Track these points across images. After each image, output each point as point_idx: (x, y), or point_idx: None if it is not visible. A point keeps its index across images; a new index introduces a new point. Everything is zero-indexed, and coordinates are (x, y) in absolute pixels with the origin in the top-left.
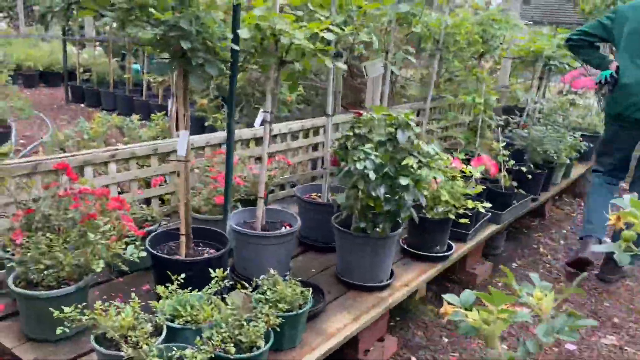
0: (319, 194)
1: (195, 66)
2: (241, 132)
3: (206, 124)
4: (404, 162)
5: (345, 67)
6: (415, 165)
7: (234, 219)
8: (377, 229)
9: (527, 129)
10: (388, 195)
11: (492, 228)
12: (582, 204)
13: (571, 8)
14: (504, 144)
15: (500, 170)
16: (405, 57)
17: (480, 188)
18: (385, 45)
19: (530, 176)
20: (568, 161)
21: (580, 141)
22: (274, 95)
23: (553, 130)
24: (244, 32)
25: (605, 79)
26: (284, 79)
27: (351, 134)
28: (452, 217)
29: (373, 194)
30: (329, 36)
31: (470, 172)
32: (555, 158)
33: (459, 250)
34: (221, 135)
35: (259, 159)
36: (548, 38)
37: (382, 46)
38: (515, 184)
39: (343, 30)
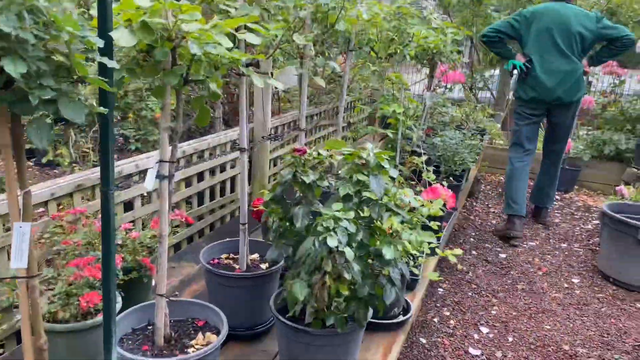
0: (235, 255)
1: (37, 107)
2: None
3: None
4: (385, 224)
5: (281, 85)
6: (399, 228)
7: (120, 328)
8: (349, 321)
9: (440, 137)
10: (363, 272)
11: (433, 262)
12: (475, 204)
13: None
14: (425, 158)
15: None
16: (326, 64)
17: (436, 225)
18: (300, 49)
19: (450, 190)
20: (473, 165)
21: (480, 141)
22: (175, 133)
23: (462, 135)
24: (123, 36)
25: (520, 68)
26: (190, 106)
27: (291, 178)
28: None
29: (346, 276)
30: (251, 38)
31: (432, 212)
32: (468, 164)
33: (415, 304)
34: (73, 181)
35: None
36: (437, 33)
37: (295, 49)
38: None
39: (267, 30)
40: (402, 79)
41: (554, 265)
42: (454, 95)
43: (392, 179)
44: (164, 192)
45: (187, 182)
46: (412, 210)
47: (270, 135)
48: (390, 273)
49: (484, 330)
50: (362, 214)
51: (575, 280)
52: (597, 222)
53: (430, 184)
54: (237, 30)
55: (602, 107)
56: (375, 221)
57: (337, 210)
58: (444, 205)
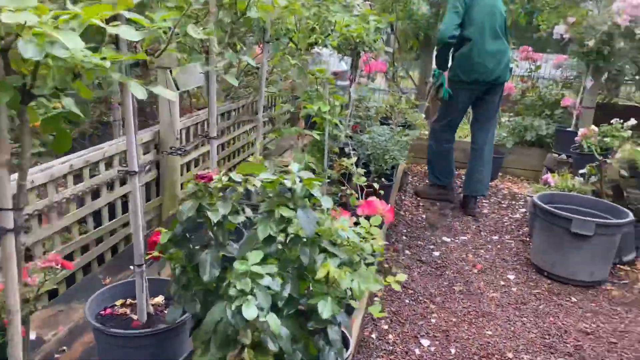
0: (133, 300)
1: None
2: None
3: None
4: (320, 272)
5: (171, 95)
6: (337, 275)
7: None
8: None
9: (368, 133)
10: (294, 335)
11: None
12: (404, 197)
13: None
14: (356, 159)
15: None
16: (239, 58)
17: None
18: (204, 43)
19: (382, 191)
20: (402, 161)
21: (406, 135)
22: (22, 170)
23: (390, 131)
24: None
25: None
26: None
27: (194, 214)
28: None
29: (271, 347)
30: (127, 33)
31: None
32: (398, 161)
33: (354, 337)
34: None
35: None
36: (359, 21)
37: (199, 44)
38: None
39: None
40: (325, 73)
41: (488, 261)
42: (375, 86)
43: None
44: (9, 253)
45: (80, 199)
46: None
47: (172, 149)
48: (328, 332)
49: (425, 343)
50: (288, 253)
51: (511, 277)
52: (524, 210)
53: (362, 189)
54: (109, 21)
55: (522, 93)
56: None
57: (255, 264)
58: (382, 222)
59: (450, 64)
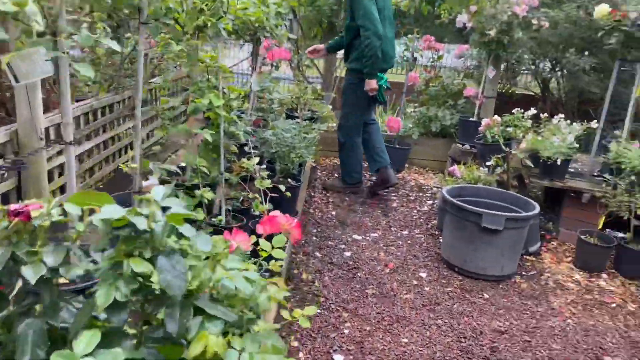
0: None
1: None
2: None
3: None
4: (192, 351)
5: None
6: (219, 347)
7: None
8: None
9: (272, 129)
10: None
11: None
12: (313, 194)
13: None
14: (257, 159)
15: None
16: (98, 40)
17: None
18: (52, 21)
19: (289, 193)
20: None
21: (314, 130)
22: None
23: (297, 125)
24: None
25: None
26: None
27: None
28: None
29: None
30: None
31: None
32: (306, 158)
33: None
34: None
35: None
36: (258, 3)
37: (47, 23)
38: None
39: None
40: (218, 61)
41: (400, 259)
42: (280, 75)
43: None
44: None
45: None
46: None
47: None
48: None
49: (339, 358)
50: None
51: (423, 275)
52: (431, 202)
53: (266, 193)
54: None
55: (426, 83)
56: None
57: (86, 355)
58: (286, 242)
59: (353, 55)
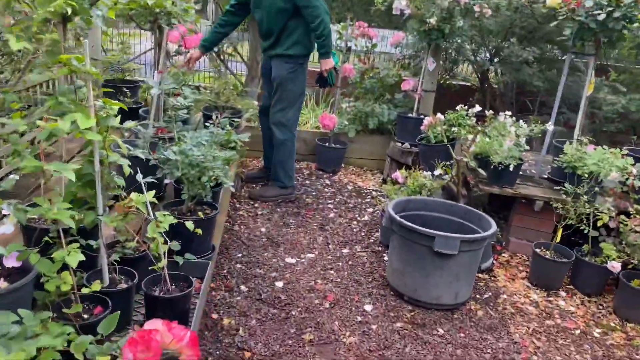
0: None
1: None
2: None
3: None
4: None
5: None
6: None
7: None
8: None
9: (178, 144)
10: None
11: None
12: (239, 205)
13: None
14: (152, 193)
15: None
16: None
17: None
18: None
19: (200, 231)
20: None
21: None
22: None
23: (211, 136)
24: None
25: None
26: None
27: None
28: None
29: None
30: None
31: None
32: (225, 181)
33: None
34: None
35: None
36: None
37: None
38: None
39: None
40: (85, 63)
41: (341, 287)
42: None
43: None
44: None
45: None
46: None
47: None
48: None
49: None
50: None
51: (368, 308)
52: (371, 210)
53: (167, 238)
54: None
55: (361, 75)
56: None
57: None
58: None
59: (291, 39)
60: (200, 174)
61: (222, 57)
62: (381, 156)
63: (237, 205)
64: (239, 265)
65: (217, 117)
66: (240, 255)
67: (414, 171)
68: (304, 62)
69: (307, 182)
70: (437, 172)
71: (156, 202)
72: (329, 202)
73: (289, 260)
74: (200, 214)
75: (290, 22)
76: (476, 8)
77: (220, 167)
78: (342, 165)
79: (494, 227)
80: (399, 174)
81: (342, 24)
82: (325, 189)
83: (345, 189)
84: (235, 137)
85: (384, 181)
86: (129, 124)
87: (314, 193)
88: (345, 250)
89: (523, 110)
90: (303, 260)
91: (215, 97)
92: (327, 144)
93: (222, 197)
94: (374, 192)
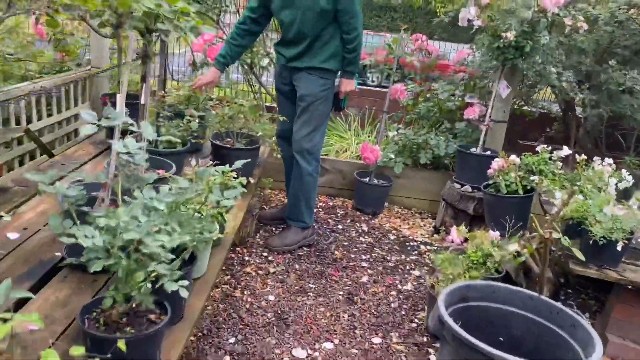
0: None
1: None
2: None
3: None
4: None
5: None
6: None
7: None
8: None
9: (107, 215)
10: None
11: None
12: (248, 257)
13: None
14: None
15: None
16: None
17: None
18: None
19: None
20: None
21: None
22: None
23: (176, 196)
24: None
25: None
26: None
27: None
28: None
29: None
30: None
31: None
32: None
33: None
34: None
35: None
36: None
37: None
38: None
39: None
40: None
41: None
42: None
43: None
44: None
45: None
46: None
47: None
48: None
49: None
50: None
51: None
52: (417, 273)
53: None
54: None
55: (414, 97)
56: None
57: None
58: None
59: (327, 50)
60: (133, 268)
61: (254, 69)
62: (434, 196)
63: (246, 259)
64: (227, 359)
65: (197, 162)
66: (233, 340)
67: (476, 229)
68: (335, 79)
69: (340, 226)
70: (512, 246)
71: None
72: (363, 257)
73: (297, 353)
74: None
75: (328, 29)
76: (567, 21)
77: (168, 261)
78: (385, 204)
79: (598, 350)
80: (454, 233)
81: (392, 37)
82: (361, 238)
83: (386, 239)
84: (218, 197)
85: (436, 230)
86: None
87: (345, 243)
88: (377, 340)
89: (613, 147)
90: (316, 353)
91: (228, 122)
92: (367, 180)
93: (211, 257)
94: (422, 246)
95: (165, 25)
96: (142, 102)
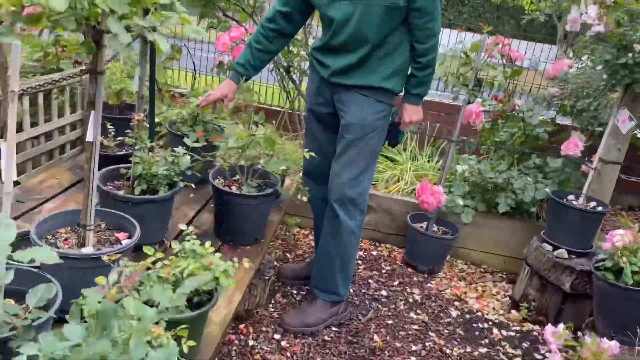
0: None
1: None
2: None
3: None
4: None
5: None
6: None
7: None
8: None
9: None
10: None
11: None
12: (255, 343)
13: None
14: None
15: None
16: None
17: None
18: None
19: None
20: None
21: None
22: None
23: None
24: None
25: None
26: None
27: None
28: None
29: None
30: None
31: None
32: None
33: None
34: None
35: None
36: None
37: None
38: None
39: None
40: None
41: None
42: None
43: None
44: None
45: None
46: None
47: None
48: None
49: None
50: None
51: None
52: None
53: None
54: None
55: (493, 120)
56: None
57: None
58: None
59: (398, 63)
60: None
61: (292, 72)
62: (511, 252)
63: (251, 344)
64: None
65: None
66: None
67: (570, 313)
68: (392, 105)
69: (384, 292)
70: None
71: None
72: (413, 349)
73: None
74: None
75: (395, 35)
76: None
77: None
78: (448, 257)
79: None
80: (550, 334)
81: (473, 43)
82: (412, 314)
83: (445, 316)
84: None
85: (515, 304)
86: None
87: (390, 321)
88: None
89: None
90: None
91: (238, 154)
92: (424, 228)
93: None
94: (495, 330)
95: (113, 25)
96: (89, 139)
